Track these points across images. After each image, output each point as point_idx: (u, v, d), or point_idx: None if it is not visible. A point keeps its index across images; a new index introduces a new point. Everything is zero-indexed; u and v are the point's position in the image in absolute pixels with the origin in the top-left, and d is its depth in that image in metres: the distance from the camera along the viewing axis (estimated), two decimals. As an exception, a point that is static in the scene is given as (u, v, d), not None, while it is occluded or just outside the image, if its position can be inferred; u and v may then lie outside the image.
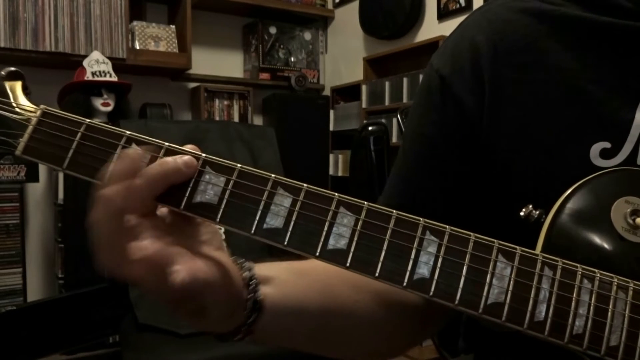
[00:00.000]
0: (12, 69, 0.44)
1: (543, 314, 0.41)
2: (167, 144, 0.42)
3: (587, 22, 0.54)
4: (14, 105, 0.43)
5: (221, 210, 0.41)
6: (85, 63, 2.51)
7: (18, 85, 0.44)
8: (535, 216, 0.47)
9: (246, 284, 0.45)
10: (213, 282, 0.40)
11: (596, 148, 0.52)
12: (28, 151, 0.42)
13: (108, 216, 0.38)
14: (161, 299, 0.40)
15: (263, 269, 0.48)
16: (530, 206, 0.48)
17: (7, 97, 0.43)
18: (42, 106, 0.43)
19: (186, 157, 0.41)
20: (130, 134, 0.42)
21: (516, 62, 0.56)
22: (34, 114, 0.43)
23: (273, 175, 0.41)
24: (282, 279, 0.49)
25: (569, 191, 0.48)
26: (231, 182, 0.41)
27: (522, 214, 0.48)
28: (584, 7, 0.55)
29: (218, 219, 0.41)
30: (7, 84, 0.44)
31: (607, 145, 0.51)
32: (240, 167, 0.42)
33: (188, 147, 0.42)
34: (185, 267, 0.38)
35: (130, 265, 0.38)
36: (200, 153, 0.42)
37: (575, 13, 0.55)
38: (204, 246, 0.42)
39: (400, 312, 0.57)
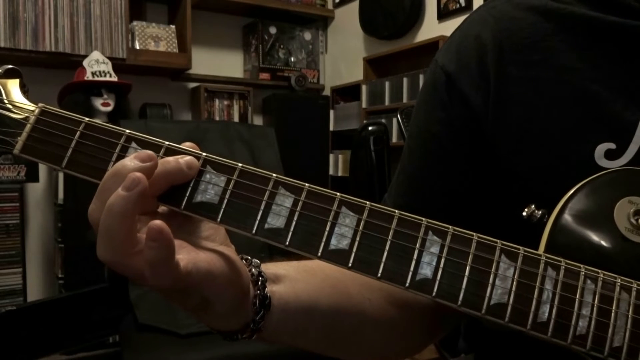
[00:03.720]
0: (10, 66, 0.43)
1: (546, 314, 0.41)
2: (167, 142, 0.41)
3: (594, 21, 0.54)
4: (12, 103, 0.43)
5: (222, 210, 0.40)
6: (85, 63, 2.51)
7: (16, 83, 0.43)
8: (538, 216, 0.47)
9: (254, 280, 0.45)
10: (216, 273, 0.39)
11: (601, 149, 0.51)
12: (26, 150, 0.41)
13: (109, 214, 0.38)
14: (164, 292, 0.39)
15: (272, 267, 0.48)
16: (533, 206, 0.47)
17: (5, 95, 0.43)
18: (40, 104, 0.42)
19: (188, 158, 0.40)
20: (129, 133, 0.42)
21: (521, 60, 0.55)
22: (32, 113, 0.42)
23: (274, 175, 0.41)
24: (292, 277, 0.49)
25: (571, 191, 0.47)
26: (232, 182, 0.41)
27: (524, 213, 0.47)
28: (591, 6, 0.54)
29: (219, 219, 0.40)
30: (4, 82, 0.43)
31: (612, 146, 0.51)
32: (242, 166, 0.41)
33: (187, 146, 0.42)
34: (187, 257, 0.38)
35: (131, 258, 0.37)
36: (200, 152, 0.41)
37: (582, 12, 0.54)
38: (207, 242, 0.42)
39: (413, 310, 0.56)
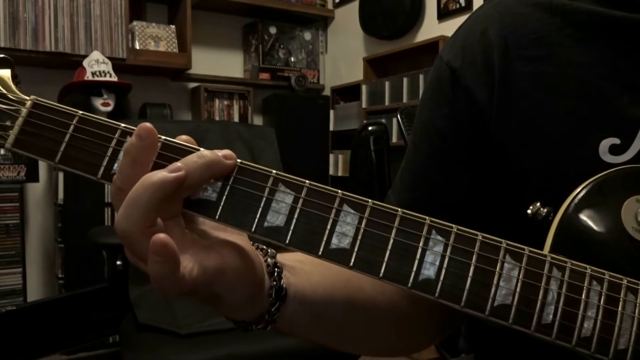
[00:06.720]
0: (0, 55, 0.42)
1: (551, 316, 0.40)
2: (163, 137, 0.41)
3: (599, 16, 0.53)
4: (3, 95, 0.41)
5: (220, 207, 0.39)
6: (85, 63, 2.51)
7: (6, 73, 0.42)
8: (543, 214, 0.46)
9: (270, 271, 0.44)
10: (225, 269, 0.39)
11: (605, 144, 0.51)
12: (18, 144, 0.40)
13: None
14: (173, 295, 0.39)
15: (288, 257, 0.47)
16: (538, 204, 0.47)
17: None
18: (32, 97, 0.41)
19: (224, 150, 0.40)
20: (125, 127, 0.41)
21: (527, 55, 0.55)
22: (24, 105, 0.41)
23: (274, 172, 0.40)
24: (308, 269, 0.48)
25: (578, 189, 0.47)
26: (231, 178, 0.40)
27: (529, 211, 0.46)
28: (597, 1, 0.54)
29: (217, 217, 0.39)
30: None
31: (617, 141, 0.50)
32: (240, 162, 0.40)
33: (184, 139, 0.41)
34: (193, 260, 0.37)
35: (144, 235, 0.37)
36: (198, 147, 0.41)
37: (588, 7, 0.54)
38: (220, 232, 0.42)
39: (423, 305, 0.56)
